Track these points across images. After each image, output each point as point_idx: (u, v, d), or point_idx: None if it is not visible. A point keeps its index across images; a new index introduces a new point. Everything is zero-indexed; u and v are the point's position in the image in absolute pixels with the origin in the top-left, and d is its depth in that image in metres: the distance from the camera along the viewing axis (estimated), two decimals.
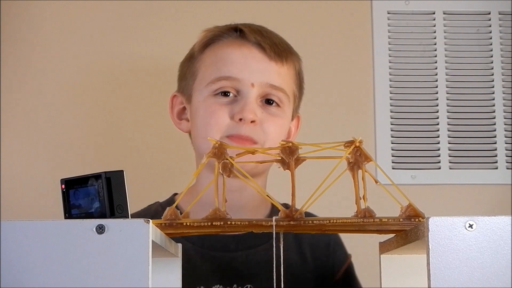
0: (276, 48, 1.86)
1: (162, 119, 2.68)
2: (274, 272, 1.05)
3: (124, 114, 2.68)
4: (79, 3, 2.75)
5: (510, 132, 2.69)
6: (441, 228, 0.83)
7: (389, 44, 2.73)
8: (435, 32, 2.74)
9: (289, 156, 1.03)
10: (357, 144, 1.03)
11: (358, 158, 1.03)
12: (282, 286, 1.11)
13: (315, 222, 1.01)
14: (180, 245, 1.23)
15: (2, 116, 2.68)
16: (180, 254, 1.22)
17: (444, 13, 2.75)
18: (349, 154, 1.03)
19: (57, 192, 2.26)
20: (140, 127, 2.67)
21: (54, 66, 2.70)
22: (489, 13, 2.75)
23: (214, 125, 1.77)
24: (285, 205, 1.80)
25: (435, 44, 2.73)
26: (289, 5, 2.76)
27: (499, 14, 2.75)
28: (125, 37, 2.73)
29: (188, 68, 1.96)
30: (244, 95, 1.78)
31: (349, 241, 2.43)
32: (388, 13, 2.74)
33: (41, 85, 2.70)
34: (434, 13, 2.75)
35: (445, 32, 2.74)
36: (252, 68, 1.82)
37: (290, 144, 1.03)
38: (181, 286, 1.21)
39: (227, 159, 1.02)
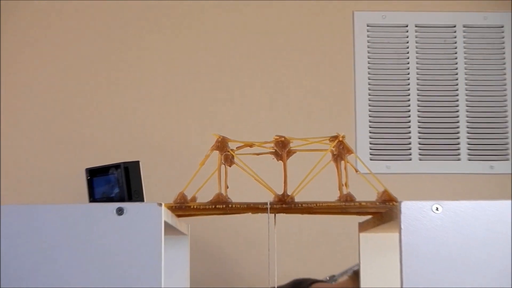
0: None
1: (176, 114, 2.68)
2: (269, 251, 1.05)
3: (140, 108, 2.68)
4: None
5: (471, 129, 2.69)
6: (411, 210, 0.83)
7: (368, 52, 2.73)
8: (408, 42, 2.74)
9: (282, 149, 1.03)
10: (340, 139, 1.04)
11: (341, 150, 1.03)
12: (276, 264, 1.10)
13: (303, 205, 1.01)
14: (188, 225, 1.23)
15: (26, 107, 2.67)
16: (188, 233, 1.22)
17: (416, 26, 2.74)
18: (333, 147, 1.03)
19: (79, 179, 2.27)
20: (155, 121, 2.67)
21: (69, 56, 2.69)
22: (455, 26, 2.75)
23: None
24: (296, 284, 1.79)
25: (408, 52, 2.73)
26: (284, 12, 2.75)
27: (463, 27, 2.74)
28: (143, 30, 2.72)
29: None
30: None
31: (332, 221, 2.44)
32: (368, 26, 2.74)
33: (61, 80, 2.69)
34: (407, 26, 2.74)
35: (416, 42, 2.74)
36: None
37: (283, 138, 1.04)
38: (188, 261, 1.21)
39: (228, 151, 1.02)
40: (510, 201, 0.84)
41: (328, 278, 2.56)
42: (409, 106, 2.70)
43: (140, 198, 2.13)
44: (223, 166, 1.02)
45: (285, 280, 2.53)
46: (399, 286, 0.82)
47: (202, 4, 2.74)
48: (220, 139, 1.02)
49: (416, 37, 2.75)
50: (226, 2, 2.75)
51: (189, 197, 1.02)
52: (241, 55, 2.72)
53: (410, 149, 2.68)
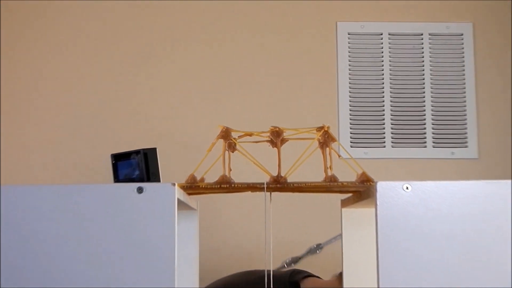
0: None
1: (187, 109, 2.68)
2: (265, 223, 1.05)
3: (158, 104, 2.67)
4: None
5: (435, 121, 2.69)
6: (385, 189, 0.83)
7: (349, 56, 2.72)
8: (382, 48, 2.73)
9: (276, 137, 1.03)
10: (326, 129, 1.03)
11: (326, 139, 1.03)
12: (271, 234, 1.10)
13: (295, 185, 1.01)
14: (198, 201, 1.23)
15: (45, 94, 2.66)
16: (198, 208, 1.22)
17: (389, 34, 2.74)
18: (319, 136, 1.03)
19: (104, 164, 2.27)
20: (170, 114, 2.67)
21: (85, 47, 2.69)
22: (422, 34, 2.74)
23: None
24: (290, 273, 1.73)
25: (382, 56, 2.73)
26: (278, 21, 2.75)
27: (429, 35, 2.74)
28: (156, 20, 2.72)
29: None
30: None
31: (319, 199, 2.44)
32: (348, 34, 2.74)
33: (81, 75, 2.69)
34: (381, 34, 2.74)
35: (389, 48, 2.74)
36: None
37: (277, 129, 1.03)
38: (198, 232, 1.21)
39: (231, 140, 1.02)
40: (468, 182, 0.84)
41: (315, 246, 2.57)
42: (383, 102, 2.70)
43: (157, 179, 2.13)
44: (226, 152, 1.02)
45: (280, 247, 2.54)
46: (375, 253, 0.82)
47: (203, 13, 2.74)
48: (224, 129, 1.02)
49: (389, 44, 2.74)
50: (228, 14, 2.74)
51: (198, 178, 1.01)
52: (242, 61, 2.72)
53: (384, 138, 2.68)
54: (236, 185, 1.00)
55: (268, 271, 1.49)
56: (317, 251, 2.57)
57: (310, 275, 1.93)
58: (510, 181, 0.83)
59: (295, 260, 2.55)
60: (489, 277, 0.81)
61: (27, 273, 0.80)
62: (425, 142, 2.69)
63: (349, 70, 2.72)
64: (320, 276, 2.17)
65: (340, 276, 1.66)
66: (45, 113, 2.66)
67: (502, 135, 2.72)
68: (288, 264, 2.54)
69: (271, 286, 1.04)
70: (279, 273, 1.92)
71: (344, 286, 1.15)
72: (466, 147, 2.70)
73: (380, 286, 0.81)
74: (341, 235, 1.19)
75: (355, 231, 1.17)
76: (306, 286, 1.77)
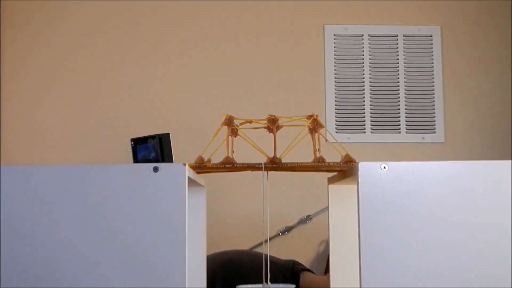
0: None
1: (196, 100, 2.67)
2: (263, 198, 1.05)
3: (172, 95, 2.67)
4: None
5: (408, 111, 2.69)
6: (366, 169, 0.83)
7: (335, 55, 2.71)
8: (363, 47, 2.73)
9: (272, 124, 1.03)
10: (314, 117, 1.03)
11: (315, 125, 1.03)
12: (268, 212, 1.10)
13: (288, 165, 1.01)
14: (205, 179, 1.23)
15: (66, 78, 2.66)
16: (205, 184, 1.22)
17: (369, 35, 2.73)
18: (309, 123, 1.03)
19: (124, 147, 2.27)
20: (182, 104, 2.66)
21: (99, 35, 2.69)
22: (397, 36, 2.73)
23: None
24: (290, 263, 1.67)
25: (363, 55, 2.72)
26: (273, 23, 2.74)
27: (403, 36, 2.73)
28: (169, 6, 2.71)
29: None
30: None
31: (309, 177, 2.44)
32: (334, 35, 2.73)
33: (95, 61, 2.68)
34: (362, 36, 2.73)
35: (369, 48, 2.73)
36: None
37: (273, 117, 1.03)
38: (205, 205, 1.21)
39: (234, 126, 1.02)
40: (436, 162, 0.84)
41: (305, 217, 2.57)
42: (363, 94, 2.70)
43: (170, 160, 2.13)
44: (230, 137, 1.01)
45: (275, 218, 2.54)
46: (357, 222, 0.82)
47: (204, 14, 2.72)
48: (227, 117, 1.01)
49: (369, 44, 2.73)
50: (235, 17, 2.73)
51: (205, 159, 1.01)
52: (244, 59, 2.71)
53: (364, 125, 2.68)
54: (238, 165, 1.00)
55: (270, 256, 1.46)
56: (307, 221, 2.58)
57: (307, 270, 1.91)
58: (471, 162, 0.83)
59: (288, 229, 2.55)
60: (455, 240, 0.81)
61: (54, 247, 0.80)
62: (399, 129, 2.69)
63: (335, 66, 2.71)
64: (309, 243, 2.17)
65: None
66: (73, 102, 2.65)
67: (465, 123, 2.72)
68: (282, 232, 2.54)
69: (268, 271, 1.04)
70: (282, 261, 1.89)
71: (330, 251, 1.15)
72: (434, 132, 2.70)
73: (361, 249, 0.81)
74: (327, 207, 1.19)
75: (339, 204, 1.17)
76: (304, 279, 1.73)
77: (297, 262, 1.88)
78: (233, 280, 1.44)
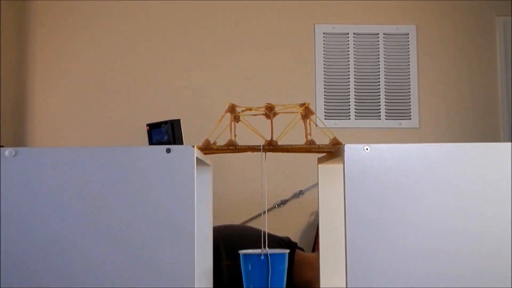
0: None
1: (204, 90, 2.66)
2: (262, 176, 1.05)
3: (183, 85, 2.66)
4: None
5: (388, 99, 2.69)
6: (351, 150, 0.83)
7: (324, 51, 2.70)
8: (348, 44, 2.71)
9: (270, 111, 1.02)
10: (306, 105, 1.02)
11: (307, 112, 1.02)
12: (266, 188, 1.10)
13: (283, 147, 1.01)
14: (211, 159, 1.23)
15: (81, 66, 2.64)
16: (211, 164, 1.21)
17: (354, 34, 2.71)
18: (302, 110, 1.02)
19: (140, 131, 2.27)
20: (191, 93, 2.65)
21: (113, 21, 2.67)
22: (378, 34, 2.72)
23: None
24: (286, 238, 1.62)
25: (349, 51, 2.71)
26: (268, 23, 2.72)
27: (383, 34, 2.72)
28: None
29: None
30: None
31: (302, 157, 2.44)
32: (323, 34, 2.71)
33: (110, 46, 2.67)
34: (348, 34, 2.71)
35: (354, 45, 2.72)
36: None
37: (270, 105, 1.02)
38: (211, 182, 1.21)
39: (236, 113, 1.01)
40: (411, 144, 0.83)
41: (298, 192, 2.58)
42: (349, 85, 2.69)
43: (181, 142, 2.13)
44: (233, 122, 1.01)
45: (272, 193, 2.55)
46: (343, 197, 0.82)
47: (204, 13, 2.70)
48: (231, 105, 1.01)
49: (354, 41, 2.72)
50: (224, 20, 2.71)
51: (211, 142, 1.01)
52: (245, 54, 2.70)
53: (349, 112, 2.68)
54: (239, 147, 0.99)
55: (268, 232, 1.44)
56: (300, 196, 2.58)
57: (301, 249, 1.85)
58: (442, 144, 0.83)
59: (284, 202, 2.56)
60: (427, 210, 0.81)
61: (69, 225, 0.80)
62: (379, 115, 2.69)
63: (324, 61, 2.70)
64: (301, 214, 2.17)
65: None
66: (96, 93, 2.64)
67: (437, 111, 2.72)
68: (278, 205, 2.55)
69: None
70: (280, 236, 1.85)
71: (320, 221, 1.15)
72: (410, 119, 2.70)
73: (347, 219, 0.81)
74: (317, 184, 1.19)
75: (328, 181, 1.17)
76: (297, 257, 1.65)
77: (293, 241, 1.86)
78: (234, 249, 1.43)
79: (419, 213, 0.81)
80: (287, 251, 0.99)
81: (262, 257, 0.95)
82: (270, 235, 1.61)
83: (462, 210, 0.81)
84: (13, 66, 2.54)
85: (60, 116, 2.61)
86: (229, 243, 1.42)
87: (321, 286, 1.12)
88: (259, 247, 0.98)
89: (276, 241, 1.64)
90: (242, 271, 0.97)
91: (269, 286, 0.94)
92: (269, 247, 0.98)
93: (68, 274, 0.78)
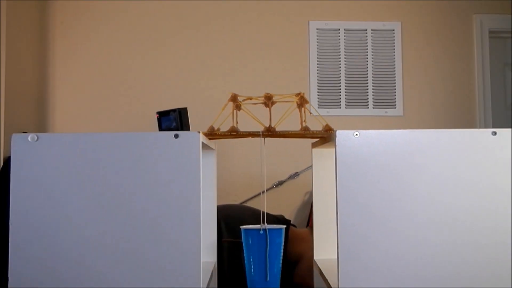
0: None
1: (208, 81, 2.65)
2: (261, 158, 1.04)
3: (190, 75, 2.64)
4: None
5: (375, 90, 2.67)
6: (342, 136, 0.82)
7: (317, 45, 2.68)
8: (339, 39, 2.69)
9: (268, 100, 1.01)
10: (301, 95, 1.02)
11: (302, 101, 1.01)
12: (265, 170, 1.09)
13: (281, 132, 1.00)
14: (216, 143, 1.22)
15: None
16: (215, 148, 1.21)
17: (344, 30, 2.69)
18: (297, 99, 1.01)
19: (151, 118, 2.25)
20: (197, 83, 2.64)
21: (124, 13, 2.65)
22: (366, 30, 2.70)
23: None
24: (280, 216, 1.61)
25: (339, 45, 2.69)
26: (267, 19, 2.69)
27: (371, 30, 2.70)
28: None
29: None
30: None
31: (298, 142, 2.44)
32: (317, 29, 2.69)
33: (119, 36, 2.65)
34: (339, 30, 2.69)
35: (345, 40, 2.69)
36: None
37: (269, 94, 1.02)
38: (216, 164, 1.21)
39: (238, 102, 1.00)
40: (396, 131, 0.83)
41: (294, 173, 2.58)
42: (340, 76, 2.68)
43: (188, 129, 2.12)
44: (234, 110, 1.00)
45: (270, 174, 2.55)
46: (335, 178, 0.82)
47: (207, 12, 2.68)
48: (233, 95, 1.00)
49: (344, 37, 2.70)
50: (225, 20, 2.69)
51: (215, 128, 1.00)
52: (245, 47, 2.68)
53: (340, 101, 2.67)
54: (241, 133, 0.99)
55: (265, 210, 1.44)
56: (295, 177, 2.58)
57: (294, 225, 1.84)
58: (424, 130, 0.83)
59: (281, 182, 2.56)
60: (412, 188, 0.81)
61: (84, 205, 0.80)
62: (367, 104, 2.68)
63: (317, 54, 2.68)
64: (296, 194, 2.17)
65: (311, 228, 1.54)
66: (111, 84, 2.63)
67: (419, 100, 2.72)
68: (276, 185, 2.55)
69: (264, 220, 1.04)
70: (275, 215, 1.84)
71: (314, 200, 1.15)
72: (395, 108, 2.69)
73: (338, 199, 0.80)
74: (311, 166, 1.19)
75: (321, 164, 1.17)
76: (291, 232, 1.63)
77: (287, 219, 1.85)
78: (234, 227, 1.42)
79: (404, 192, 0.81)
80: (284, 226, 0.99)
81: (261, 232, 0.95)
82: (267, 214, 1.60)
83: (442, 190, 0.81)
84: (35, 60, 2.53)
85: (78, 105, 2.61)
86: (229, 221, 1.42)
87: (315, 258, 1.13)
88: (255, 225, 0.98)
89: (272, 219, 1.64)
90: (243, 245, 0.98)
91: (267, 257, 0.94)
92: (267, 223, 0.98)
93: (84, 247, 0.78)
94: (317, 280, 1.14)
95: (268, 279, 0.94)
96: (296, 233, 1.58)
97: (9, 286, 0.76)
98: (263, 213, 0.99)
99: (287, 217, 1.89)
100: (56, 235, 0.78)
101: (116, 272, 0.77)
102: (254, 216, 1.55)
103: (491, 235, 0.79)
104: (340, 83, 2.67)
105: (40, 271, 0.77)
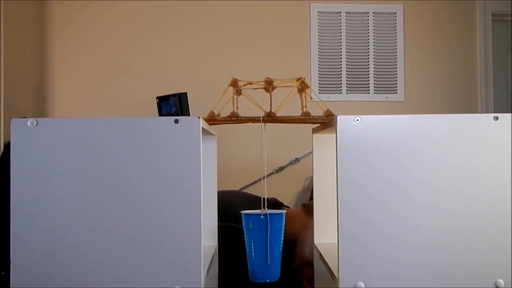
0: None
1: (209, 66, 2.63)
2: (261, 143, 1.04)
3: (190, 61, 2.63)
4: None
5: (376, 75, 2.66)
6: (343, 121, 0.82)
7: (318, 28, 2.66)
8: (341, 22, 2.67)
9: (269, 85, 1.01)
10: (302, 80, 1.01)
11: (303, 86, 1.01)
12: (265, 155, 1.09)
13: (281, 118, 1.00)
14: (216, 129, 1.22)
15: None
16: (216, 134, 1.21)
17: (346, 12, 2.67)
18: (298, 84, 1.01)
19: (151, 103, 2.26)
20: (197, 68, 2.63)
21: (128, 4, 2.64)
22: (368, 13, 2.68)
23: None
24: (272, 199, 1.60)
25: (341, 28, 2.67)
26: (270, 5, 2.67)
27: (373, 13, 2.68)
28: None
29: None
30: None
31: (298, 127, 2.43)
32: (318, 12, 2.66)
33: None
34: (340, 12, 2.67)
35: (346, 22, 2.68)
36: None
37: (270, 79, 1.01)
38: (216, 150, 1.20)
39: (238, 87, 1.00)
40: (398, 116, 0.82)
41: (294, 159, 2.58)
42: (341, 61, 2.66)
43: (188, 114, 2.11)
44: (235, 95, 1.00)
45: (270, 159, 2.55)
46: (335, 163, 0.82)
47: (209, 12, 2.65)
48: (233, 79, 0.99)
49: (346, 19, 2.68)
50: (227, 13, 2.66)
51: (216, 113, 1.00)
52: (247, 33, 2.66)
53: (341, 86, 2.66)
54: (241, 118, 0.99)
55: (256, 195, 1.44)
56: (296, 163, 2.59)
57: (287, 206, 1.83)
58: (425, 115, 0.82)
59: (281, 168, 2.57)
60: (412, 174, 0.81)
61: (84, 190, 0.80)
62: (368, 89, 2.67)
63: (318, 38, 2.67)
64: (297, 179, 2.17)
65: (304, 208, 1.54)
66: (111, 68, 2.62)
67: (421, 86, 2.71)
68: (276, 171, 2.56)
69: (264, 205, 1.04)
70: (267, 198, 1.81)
71: (314, 185, 1.15)
72: (396, 93, 2.69)
73: (339, 184, 0.81)
74: (312, 152, 1.19)
75: (322, 150, 1.17)
76: (285, 213, 1.62)
77: (279, 202, 1.85)
78: (224, 213, 1.42)
79: (404, 177, 0.81)
80: (284, 211, 0.99)
81: (262, 217, 0.96)
82: (257, 198, 1.61)
83: (443, 175, 0.81)
84: (34, 44, 2.52)
85: (77, 90, 2.60)
86: (220, 206, 1.44)
87: (315, 242, 1.13)
88: (246, 210, 0.99)
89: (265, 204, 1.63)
90: (244, 229, 0.98)
91: (268, 242, 0.95)
92: (258, 207, 0.99)
93: (85, 232, 0.79)
94: (317, 264, 1.15)
95: (268, 262, 0.95)
96: (290, 214, 1.59)
97: (10, 268, 0.77)
98: (263, 198, 1.00)
99: (286, 203, 1.90)
100: (56, 219, 0.78)
101: (117, 257, 0.78)
102: (244, 200, 1.55)
103: (492, 220, 0.80)
104: (341, 68, 2.66)
105: (41, 256, 0.78)
